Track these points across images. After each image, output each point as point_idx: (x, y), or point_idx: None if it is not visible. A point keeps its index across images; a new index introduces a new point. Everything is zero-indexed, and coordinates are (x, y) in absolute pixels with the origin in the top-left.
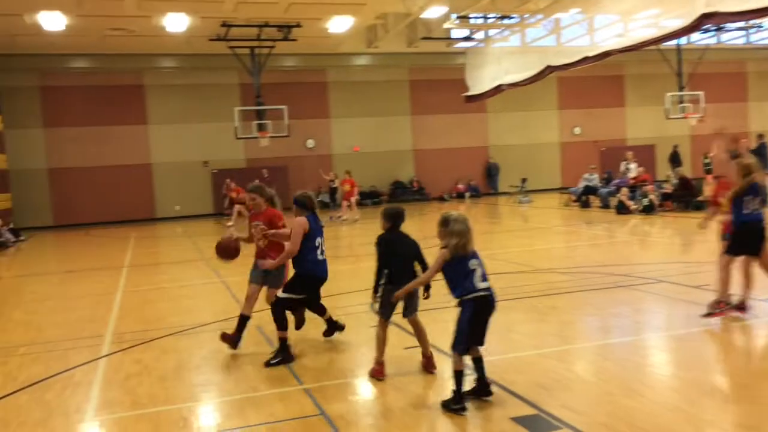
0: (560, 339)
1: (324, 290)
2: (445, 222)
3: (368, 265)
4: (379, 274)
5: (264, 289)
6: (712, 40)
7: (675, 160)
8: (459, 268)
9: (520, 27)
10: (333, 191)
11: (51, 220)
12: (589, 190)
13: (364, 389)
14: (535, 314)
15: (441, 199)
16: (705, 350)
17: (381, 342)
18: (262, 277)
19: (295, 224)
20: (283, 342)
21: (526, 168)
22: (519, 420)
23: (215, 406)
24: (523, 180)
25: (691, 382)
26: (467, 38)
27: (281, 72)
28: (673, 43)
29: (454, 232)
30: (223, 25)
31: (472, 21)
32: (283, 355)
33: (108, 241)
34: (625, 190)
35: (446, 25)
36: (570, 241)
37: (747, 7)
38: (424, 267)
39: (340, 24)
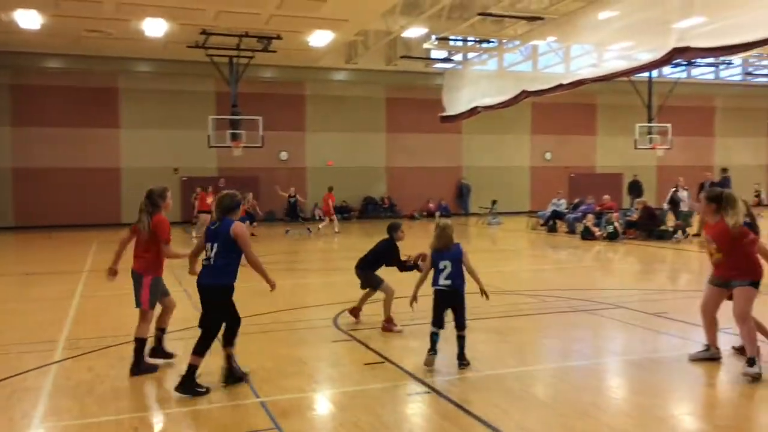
0: (520, 360)
1: (290, 302)
2: (436, 228)
3: (339, 279)
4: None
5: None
6: (683, 75)
7: (635, 189)
8: (434, 265)
9: (497, 51)
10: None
11: (12, 221)
12: (557, 215)
13: (322, 405)
14: (496, 335)
15: (412, 217)
16: (658, 376)
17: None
18: None
19: None
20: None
21: (497, 190)
22: None
23: (168, 416)
24: (494, 202)
25: (643, 406)
26: (446, 59)
27: (259, 83)
28: (644, 75)
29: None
30: (203, 32)
31: (451, 43)
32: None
33: (70, 245)
34: (591, 217)
35: (426, 46)
36: (536, 265)
37: (717, 44)
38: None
39: (320, 38)
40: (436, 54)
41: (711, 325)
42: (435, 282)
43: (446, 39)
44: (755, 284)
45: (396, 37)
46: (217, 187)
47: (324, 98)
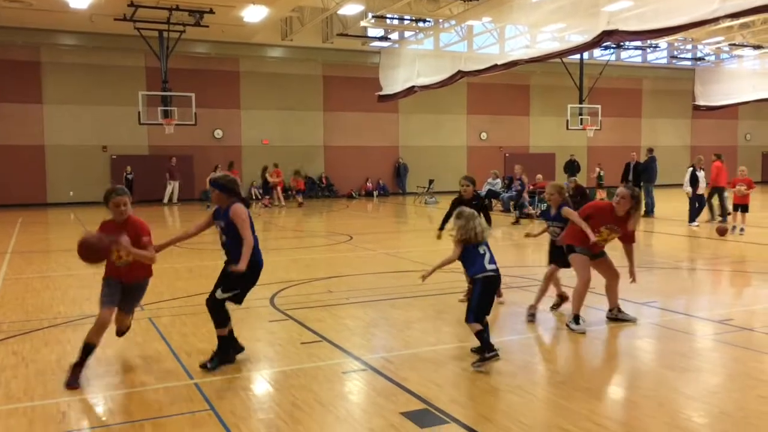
0: (456, 337)
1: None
2: (458, 215)
3: (276, 259)
4: None
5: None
6: (612, 57)
7: (570, 168)
8: (471, 252)
9: (433, 31)
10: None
11: None
12: (492, 194)
13: (258, 385)
14: (433, 312)
15: (350, 196)
16: (585, 349)
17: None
18: (119, 298)
19: (241, 213)
20: (223, 340)
21: (434, 170)
22: (408, 414)
23: (98, 400)
24: (431, 181)
25: (570, 377)
26: (382, 38)
27: (191, 58)
28: (576, 57)
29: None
30: (130, 5)
31: (387, 21)
32: (221, 355)
33: None
34: (525, 196)
35: (362, 23)
36: None
37: (644, 27)
38: None
39: (254, 13)
40: (372, 32)
41: (585, 294)
42: (480, 269)
43: (383, 17)
44: None
45: (332, 14)
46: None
47: (259, 75)
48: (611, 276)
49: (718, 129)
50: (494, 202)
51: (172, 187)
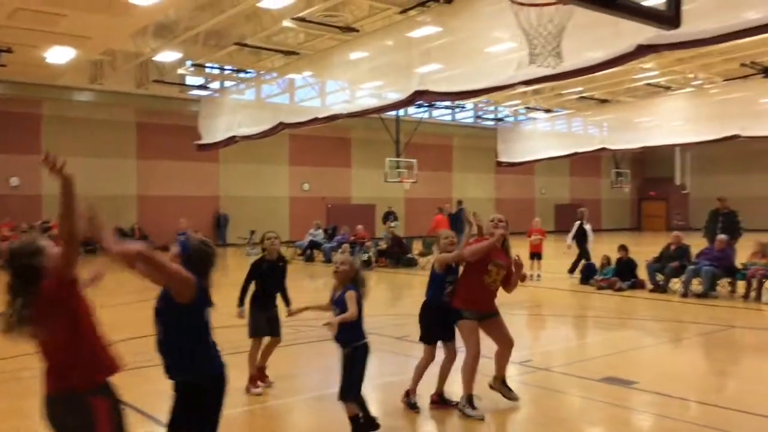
0: (285, 391)
1: (17, 349)
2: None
3: None
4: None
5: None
6: (426, 115)
7: (388, 219)
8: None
9: (255, 82)
10: None
11: None
12: (314, 245)
13: None
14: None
15: (164, 248)
16: (392, 399)
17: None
18: None
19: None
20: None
21: (256, 220)
22: None
23: None
24: (252, 232)
25: (387, 428)
26: (202, 86)
27: None
28: (393, 113)
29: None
30: None
31: (207, 70)
32: None
33: None
34: (346, 246)
35: (180, 71)
36: (291, 294)
37: (452, 89)
38: None
39: (59, 55)
40: (191, 80)
41: (476, 370)
42: (363, 334)
43: (202, 66)
44: None
45: (147, 59)
46: None
47: (65, 119)
48: (504, 342)
49: (517, 183)
50: (316, 252)
51: None
